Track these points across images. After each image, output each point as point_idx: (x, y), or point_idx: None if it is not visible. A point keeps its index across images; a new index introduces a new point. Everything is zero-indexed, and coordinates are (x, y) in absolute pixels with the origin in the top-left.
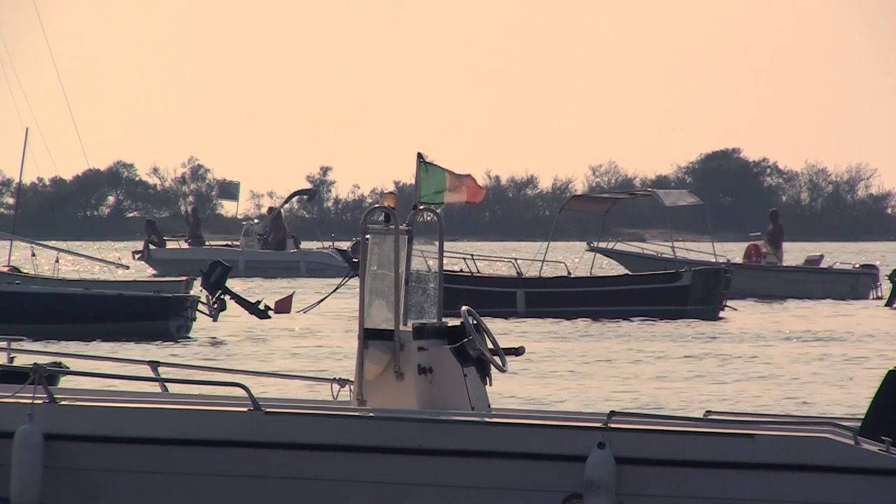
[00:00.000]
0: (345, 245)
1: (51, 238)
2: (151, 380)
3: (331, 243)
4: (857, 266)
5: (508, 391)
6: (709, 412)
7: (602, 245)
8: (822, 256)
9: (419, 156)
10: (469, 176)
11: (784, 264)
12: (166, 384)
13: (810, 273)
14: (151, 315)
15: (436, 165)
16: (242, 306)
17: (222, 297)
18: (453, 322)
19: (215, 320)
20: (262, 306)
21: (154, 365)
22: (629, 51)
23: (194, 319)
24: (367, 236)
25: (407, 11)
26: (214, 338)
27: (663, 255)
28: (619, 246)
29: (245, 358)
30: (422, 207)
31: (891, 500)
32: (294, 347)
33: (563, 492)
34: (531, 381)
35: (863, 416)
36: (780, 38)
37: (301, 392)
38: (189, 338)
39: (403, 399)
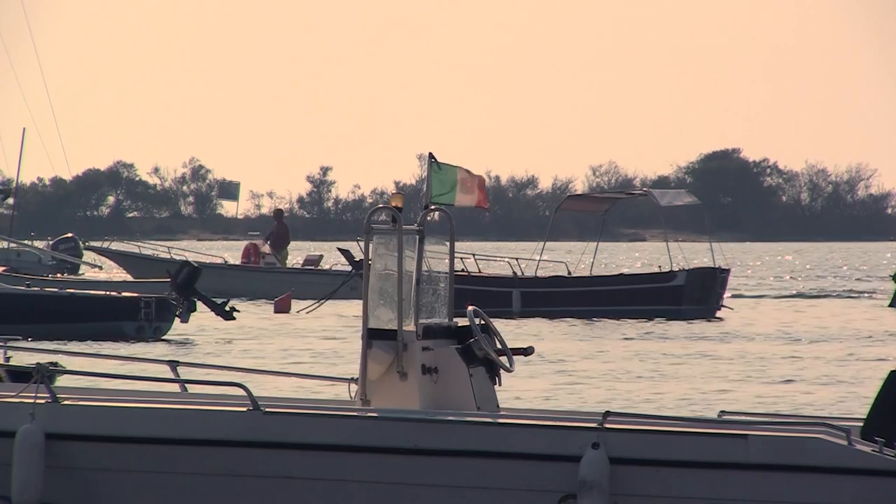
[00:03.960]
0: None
1: (52, 238)
2: (154, 379)
3: (30, 242)
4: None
5: (506, 391)
6: (722, 412)
7: (97, 244)
8: (321, 256)
9: (430, 156)
10: (480, 178)
11: (290, 265)
12: (163, 383)
13: (309, 274)
14: (102, 316)
15: (448, 165)
16: (209, 307)
17: (191, 297)
18: (463, 322)
19: (185, 321)
20: (227, 307)
21: (173, 365)
22: (629, 51)
23: (150, 321)
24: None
25: (407, 12)
26: (188, 338)
27: (159, 256)
28: (115, 245)
29: (240, 358)
30: (433, 207)
31: (884, 500)
32: (294, 347)
33: (557, 492)
34: (527, 380)
35: (861, 417)
36: (780, 38)
37: (317, 392)
38: (155, 339)
39: (407, 399)
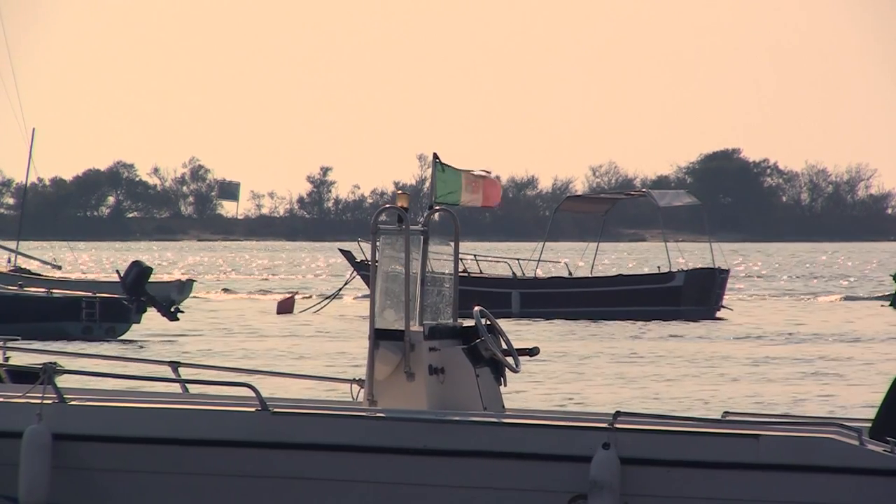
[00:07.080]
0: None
1: (52, 238)
2: (162, 380)
3: None
4: None
5: (510, 391)
6: (727, 413)
7: None
8: None
9: (435, 156)
10: (487, 178)
11: None
12: (170, 383)
13: None
14: (42, 317)
15: (452, 166)
16: (154, 307)
17: (141, 297)
18: (468, 323)
19: (137, 322)
20: (172, 308)
21: (175, 365)
22: (629, 51)
23: (95, 321)
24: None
25: (408, 12)
26: (135, 339)
27: None
28: None
29: (241, 359)
30: (437, 208)
31: (895, 501)
32: (295, 348)
33: (568, 492)
34: (529, 380)
35: (870, 417)
36: (781, 39)
37: (321, 393)
38: (109, 339)
39: (414, 399)
